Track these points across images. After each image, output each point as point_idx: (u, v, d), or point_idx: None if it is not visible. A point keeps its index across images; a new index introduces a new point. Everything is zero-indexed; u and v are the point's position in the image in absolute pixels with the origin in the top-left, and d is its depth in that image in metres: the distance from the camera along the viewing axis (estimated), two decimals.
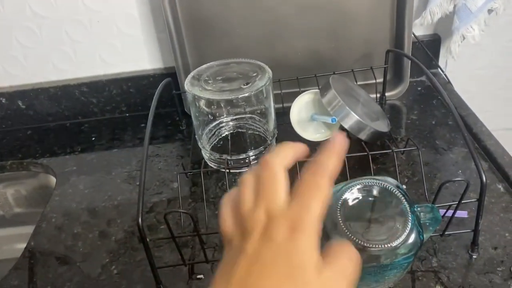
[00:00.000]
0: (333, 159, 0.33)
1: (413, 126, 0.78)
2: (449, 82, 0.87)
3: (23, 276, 0.60)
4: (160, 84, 0.69)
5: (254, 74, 0.66)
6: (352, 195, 0.42)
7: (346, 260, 0.30)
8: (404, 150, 0.68)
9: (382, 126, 0.70)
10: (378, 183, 0.42)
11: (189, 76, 0.67)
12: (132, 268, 0.58)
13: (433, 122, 0.78)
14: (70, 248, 0.63)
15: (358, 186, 0.42)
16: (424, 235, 0.44)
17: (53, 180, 0.79)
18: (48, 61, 0.85)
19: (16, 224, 0.88)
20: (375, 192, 0.42)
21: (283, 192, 0.31)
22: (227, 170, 0.63)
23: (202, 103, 0.67)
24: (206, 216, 0.62)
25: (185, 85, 0.66)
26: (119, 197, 0.70)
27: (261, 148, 0.69)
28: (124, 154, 0.80)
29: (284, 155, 0.34)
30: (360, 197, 0.41)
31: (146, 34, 0.83)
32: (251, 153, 0.68)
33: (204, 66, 0.70)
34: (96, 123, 0.89)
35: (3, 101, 0.88)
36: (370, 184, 0.42)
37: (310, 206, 0.30)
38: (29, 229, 0.82)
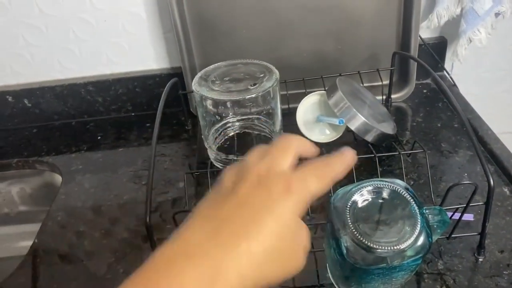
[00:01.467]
0: (340, 164, 0.35)
1: (418, 129, 0.78)
2: (455, 85, 0.87)
3: (29, 274, 0.60)
4: (167, 84, 0.69)
5: (261, 75, 0.66)
6: (362, 196, 0.42)
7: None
8: (410, 153, 0.68)
9: (388, 128, 0.70)
10: (388, 185, 0.42)
11: (197, 77, 0.67)
12: (138, 267, 0.58)
13: (439, 125, 0.78)
14: (76, 247, 0.63)
15: (368, 188, 0.42)
16: (432, 237, 0.44)
17: (58, 178, 0.79)
18: (54, 60, 0.85)
19: (21, 222, 0.88)
20: (384, 194, 0.42)
21: (290, 160, 0.34)
22: None
23: (209, 103, 0.67)
24: None
25: (192, 85, 0.66)
26: (125, 196, 0.70)
27: None
28: (129, 153, 0.80)
29: (303, 143, 0.36)
30: (370, 199, 0.42)
31: (153, 34, 0.84)
32: None
33: (211, 66, 0.70)
34: (102, 122, 0.89)
35: (10, 99, 0.88)
36: (380, 186, 0.42)
37: (309, 180, 0.33)
38: (34, 227, 0.82)
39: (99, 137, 0.85)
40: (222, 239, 0.30)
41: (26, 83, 0.87)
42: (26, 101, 0.88)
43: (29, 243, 0.65)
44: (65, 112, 0.90)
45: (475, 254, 0.55)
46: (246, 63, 0.70)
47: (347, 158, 0.36)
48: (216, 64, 0.70)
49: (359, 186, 0.42)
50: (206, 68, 0.69)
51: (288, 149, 0.34)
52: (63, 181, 0.75)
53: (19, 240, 0.88)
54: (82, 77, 0.87)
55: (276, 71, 0.67)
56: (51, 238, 0.65)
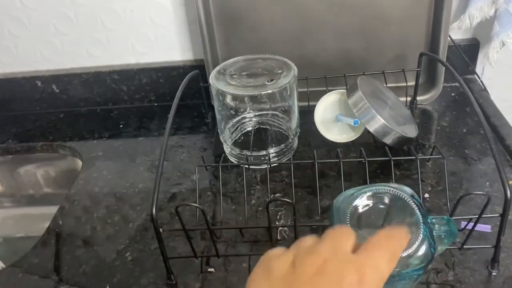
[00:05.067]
0: (402, 237, 0.33)
1: (442, 133, 0.75)
2: (485, 89, 0.84)
3: (43, 254, 0.62)
4: (187, 76, 0.69)
5: (279, 71, 0.66)
6: (364, 201, 0.41)
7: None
8: (429, 158, 0.66)
9: (410, 131, 0.68)
10: (391, 191, 0.40)
11: (215, 70, 0.67)
12: (146, 256, 0.59)
13: (464, 130, 0.75)
14: (90, 232, 0.64)
15: (369, 193, 0.41)
16: (439, 248, 0.42)
17: (79, 163, 0.82)
18: (82, 48, 0.87)
19: (44, 204, 0.91)
20: (386, 200, 0.40)
21: (352, 243, 0.31)
22: (246, 166, 0.63)
23: (226, 97, 0.67)
24: (222, 211, 0.63)
25: (209, 79, 0.66)
26: (141, 184, 0.71)
27: (282, 145, 0.69)
28: (149, 143, 0.81)
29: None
30: (371, 204, 0.40)
31: (178, 26, 0.84)
32: (271, 150, 0.68)
33: (230, 60, 0.70)
34: (125, 110, 0.91)
35: (39, 84, 0.91)
36: (382, 191, 0.40)
37: (382, 265, 0.29)
38: (55, 209, 0.85)
39: (121, 125, 0.87)
40: None
41: (55, 69, 0.90)
42: (54, 87, 0.91)
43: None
44: (91, 99, 0.92)
45: (489, 268, 0.53)
46: (265, 58, 0.69)
47: (404, 233, 0.33)
48: (235, 58, 0.70)
49: (361, 191, 0.41)
50: (225, 62, 0.69)
51: (347, 231, 0.32)
52: (83, 166, 0.77)
53: (42, 220, 0.91)
54: (108, 65, 0.89)
55: (295, 68, 0.66)
56: (67, 221, 0.67)
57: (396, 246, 0.31)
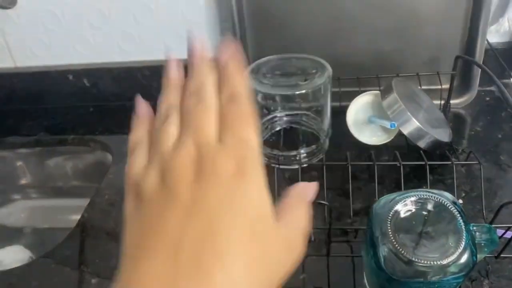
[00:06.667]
0: (238, 77, 0.28)
1: (476, 138, 0.74)
2: None
3: (75, 246, 0.63)
4: None
5: (314, 71, 0.65)
6: (405, 206, 0.40)
7: (301, 212, 0.26)
8: (464, 164, 0.65)
9: (443, 135, 0.67)
10: (434, 197, 0.40)
11: (248, 69, 0.67)
12: None
13: (499, 136, 0.74)
14: (119, 226, 0.65)
15: (412, 198, 0.40)
16: (478, 256, 0.41)
17: (108, 157, 0.82)
18: (114, 43, 0.88)
19: (72, 196, 0.92)
20: (429, 206, 0.40)
21: (215, 122, 0.26)
22: (277, 166, 0.62)
23: (258, 96, 0.66)
24: None
25: None
26: None
27: (313, 146, 0.68)
28: None
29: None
30: (413, 210, 0.40)
31: (210, 23, 0.84)
32: (302, 151, 0.68)
33: (264, 59, 0.69)
34: (155, 106, 0.91)
35: (71, 78, 0.92)
36: (425, 197, 0.40)
37: (249, 139, 0.25)
38: (83, 202, 0.86)
39: None
40: (186, 275, 0.21)
41: (86, 63, 0.91)
42: (85, 81, 0.92)
43: (77, 216, 0.68)
44: (121, 94, 0.92)
45: None
46: (299, 58, 0.69)
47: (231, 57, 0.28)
48: (268, 57, 0.69)
49: (403, 196, 0.40)
50: (258, 61, 0.69)
51: (204, 106, 0.26)
52: (113, 160, 0.78)
53: (70, 213, 0.92)
54: (139, 61, 0.89)
55: (329, 68, 0.65)
56: (97, 214, 0.68)
57: (246, 110, 0.26)
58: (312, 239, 0.57)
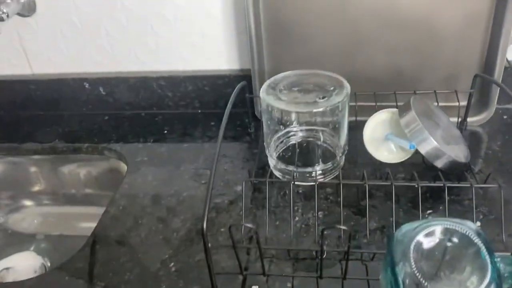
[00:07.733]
0: None
1: (494, 158, 0.73)
2: None
3: (87, 260, 0.63)
4: (236, 87, 0.69)
5: (332, 88, 0.65)
6: (428, 237, 0.39)
7: None
8: (483, 186, 0.64)
9: (461, 155, 0.66)
10: (459, 228, 0.39)
11: (265, 84, 0.67)
12: (189, 268, 0.59)
13: None
14: (134, 238, 0.65)
15: (434, 228, 0.39)
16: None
17: (123, 166, 0.83)
18: (131, 52, 0.88)
19: (85, 204, 0.93)
20: (454, 238, 0.39)
21: None
22: (293, 183, 0.62)
23: (275, 111, 0.66)
24: (267, 226, 0.62)
25: (260, 93, 0.65)
26: (185, 193, 0.72)
27: (329, 163, 0.68)
28: (193, 150, 0.81)
29: None
30: (437, 240, 0.39)
31: (227, 35, 0.84)
32: (318, 168, 0.67)
33: (281, 74, 0.69)
34: (170, 116, 0.91)
35: (87, 86, 0.92)
36: (449, 228, 0.39)
37: None
38: (96, 210, 0.86)
39: (165, 131, 0.87)
40: None
41: (103, 72, 0.91)
42: (101, 89, 0.92)
43: (90, 224, 0.68)
44: (136, 103, 0.93)
45: None
46: (317, 74, 0.69)
47: None
48: (286, 73, 0.69)
49: (426, 224, 0.40)
50: (276, 76, 0.69)
51: None
52: (128, 170, 0.78)
53: (82, 220, 0.93)
54: (155, 71, 0.89)
55: (348, 85, 0.65)
56: (111, 225, 0.67)
57: None
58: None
